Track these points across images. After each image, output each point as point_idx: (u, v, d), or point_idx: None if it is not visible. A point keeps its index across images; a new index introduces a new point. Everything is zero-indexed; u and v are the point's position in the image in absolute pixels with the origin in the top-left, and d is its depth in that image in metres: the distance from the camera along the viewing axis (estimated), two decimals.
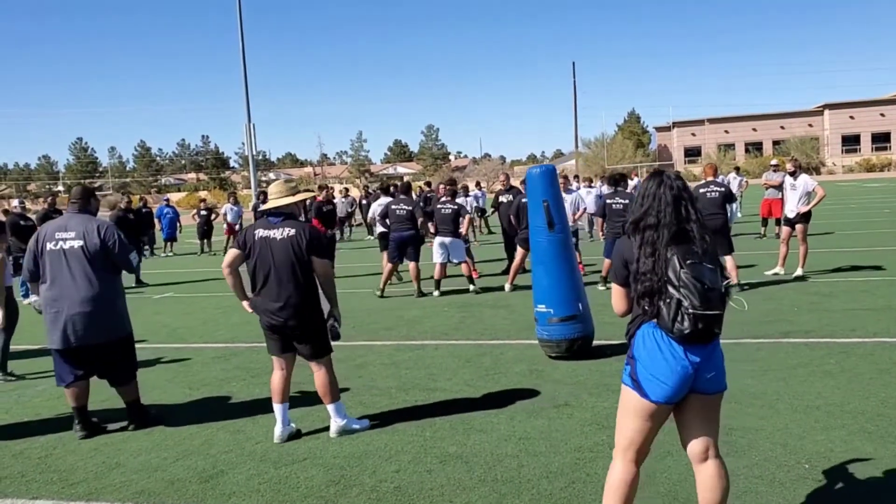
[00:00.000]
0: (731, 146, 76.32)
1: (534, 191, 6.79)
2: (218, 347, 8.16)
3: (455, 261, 11.37)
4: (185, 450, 5.04)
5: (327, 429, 5.26)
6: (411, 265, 11.30)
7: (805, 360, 6.38)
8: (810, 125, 75.22)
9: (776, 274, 11.12)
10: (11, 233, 12.60)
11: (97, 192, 5.63)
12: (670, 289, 2.94)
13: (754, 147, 76.72)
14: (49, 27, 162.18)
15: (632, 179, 20.57)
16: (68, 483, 4.56)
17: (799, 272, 10.86)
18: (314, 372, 5.09)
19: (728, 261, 10.00)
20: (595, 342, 7.06)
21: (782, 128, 75.95)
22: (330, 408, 5.12)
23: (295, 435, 5.15)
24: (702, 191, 9.98)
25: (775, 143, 75.38)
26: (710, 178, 10.28)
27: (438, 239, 11.27)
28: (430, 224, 11.72)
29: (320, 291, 5.06)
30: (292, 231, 4.92)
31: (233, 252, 5.11)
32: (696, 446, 3.12)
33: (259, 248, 4.95)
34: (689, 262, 2.94)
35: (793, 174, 11.33)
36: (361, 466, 4.57)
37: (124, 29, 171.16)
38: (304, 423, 5.42)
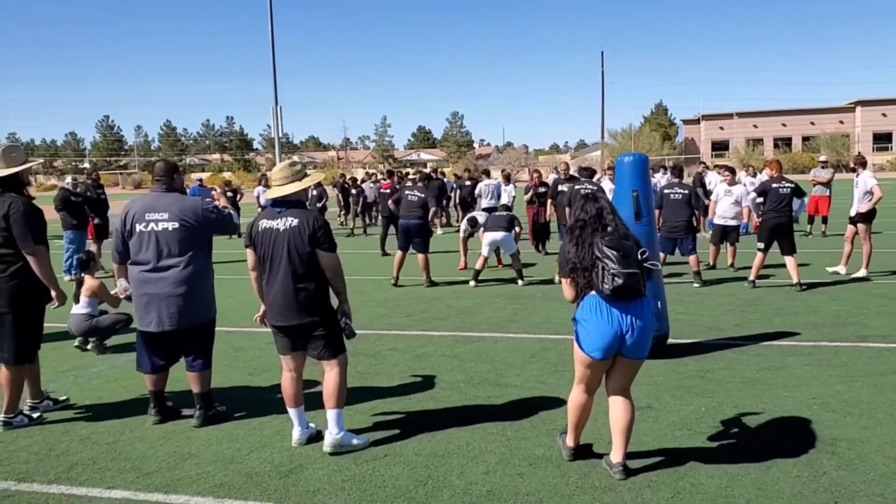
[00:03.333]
0: (759, 141, 75.25)
1: (622, 180, 6.50)
2: (271, 332, 7.95)
3: (506, 252, 11.15)
4: (258, 441, 4.86)
5: (402, 425, 5.07)
6: (420, 257, 10.99)
7: (892, 367, 6.09)
8: (841, 122, 73.99)
9: (836, 273, 10.78)
10: (62, 207, 12.52)
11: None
12: (597, 262, 3.93)
13: (783, 142, 75.62)
14: (78, 6, 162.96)
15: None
16: (142, 473, 4.39)
17: (862, 272, 10.51)
18: (326, 372, 4.64)
19: (789, 261, 9.70)
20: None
21: (812, 124, 74.71)
22: (330, 414, 4.58)
23: (315, 437, 4.78)
24: (774, 185, 9.65)
25: (805, 139, 74.23)
26: (777, 175, 9.92)
27: (490, 236, 10.93)
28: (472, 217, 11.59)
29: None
30: (295, 221, 4.48)
31: (248, 253, 4.72)
32: (614, 385, 4.16)
33: (262, 240, 4.55)
34: (606, 239, 3.97)
35: (854, 171, 10.99)
36: (447, 466, 4.36)
37: (152, 9, 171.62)
38: (375, 415, 5.24)
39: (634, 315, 3.96)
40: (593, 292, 3.99)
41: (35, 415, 5.39)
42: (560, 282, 4.26)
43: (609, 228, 4.03)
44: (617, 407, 4.14)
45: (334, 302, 4.72)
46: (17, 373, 5.15)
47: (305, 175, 4.72)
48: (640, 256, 3.99)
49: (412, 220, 10.88)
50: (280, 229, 4.50)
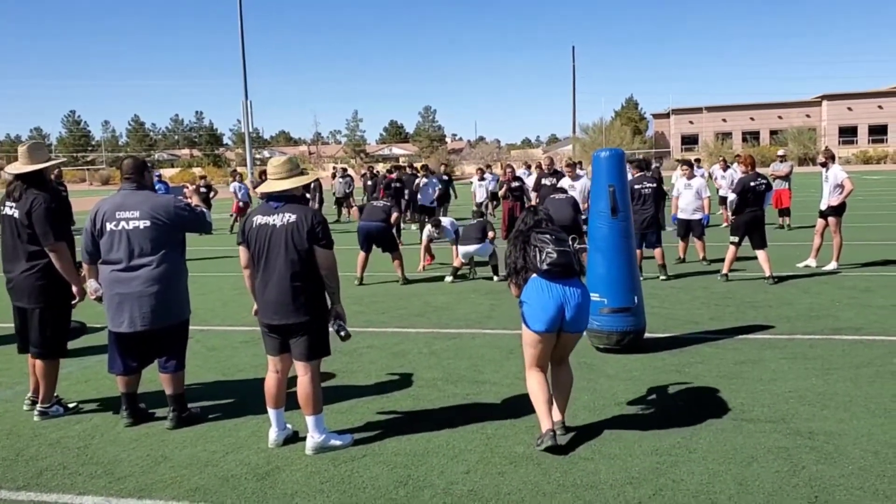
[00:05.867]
0: (728, 135, 76.11)
1: (599, 175, 6.49)
2: (244, 331, 7.85)
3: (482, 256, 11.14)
4: (233, 443, 4.77)
5: (380, 424, 5.02)
6: (395, 262, 11.02)
7: (866, 360, 6.15)
8: (808, 115, 75.06)
9: (807, 266, 10.91)
10: None
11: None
12: (534, 248, 4.48)
13: (752, 136, 76.55)
14: None
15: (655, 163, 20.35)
16: (115, 477, 4.28)
17: (833, 265, 10.65)
18: (299, 376, 4.51)
19: (761, 255, 9.80)
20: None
21: (780, 118, 75.76)
22: (309, 420, 4.51)
23: (292, 438, 4.72)
24: (752, 184, 9.72)
25: (773, 132, 75.25)
26: (752, 172, 9.97)
27: (463, 249, 10.88)
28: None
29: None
30: (293, 217, 4.37)
31: (241, 250, 4.59)
32: (554, 357, 4.67)
33: (257, 236, 4.43)
34: (540, 229, 4.56)
35: (824, 165, 11.08)
36: (427, 466, 4.31)
37: (120, 2, 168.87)
38: (353, 415, 5.17)
39: (572, 290, 4.47)
40: (535, 275, 4.50)
41: (71, 405, 5.50)
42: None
43: (545, 226, 4.62)
44: (558, 374, 4.72)
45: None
46: (50, 366, 5.27)
47: (303, 172, 4.65)
48: (571, 243, 4.55)
49: (374, 223, 10.91)
50: (277, 225, 4.38)
